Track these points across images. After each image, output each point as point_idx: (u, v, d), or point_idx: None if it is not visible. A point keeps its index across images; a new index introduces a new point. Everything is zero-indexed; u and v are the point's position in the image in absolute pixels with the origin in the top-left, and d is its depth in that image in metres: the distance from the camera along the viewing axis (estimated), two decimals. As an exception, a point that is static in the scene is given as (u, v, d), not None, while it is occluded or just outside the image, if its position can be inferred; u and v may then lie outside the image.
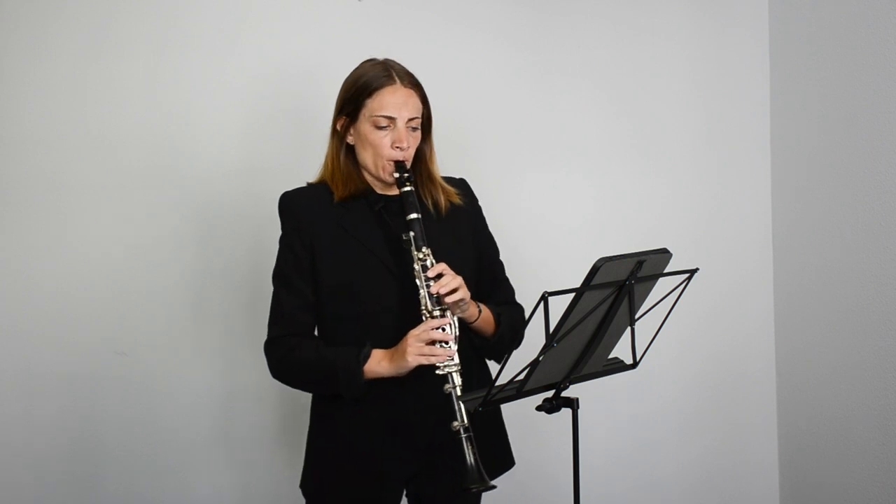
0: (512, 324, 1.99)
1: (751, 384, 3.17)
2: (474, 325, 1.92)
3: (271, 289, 1.97)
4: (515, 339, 1.96)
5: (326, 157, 1.99)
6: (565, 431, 1.80)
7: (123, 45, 2.49)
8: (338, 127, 1.95)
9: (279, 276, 1.95)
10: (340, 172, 1.95)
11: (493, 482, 1.77)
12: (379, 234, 1.92)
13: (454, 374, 1.77)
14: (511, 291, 2.09)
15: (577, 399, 1.78)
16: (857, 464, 2.80)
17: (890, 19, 2.65)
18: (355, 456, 1.90)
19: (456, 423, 1.73)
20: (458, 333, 1.81)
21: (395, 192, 1.93)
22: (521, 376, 1.64)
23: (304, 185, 2.00)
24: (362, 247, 1.90)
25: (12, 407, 2.40)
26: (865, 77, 2.74)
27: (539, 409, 1.79)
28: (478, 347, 1.98)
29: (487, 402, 1.66)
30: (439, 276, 1.80)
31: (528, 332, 1.62)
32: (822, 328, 2.95)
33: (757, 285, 3.17)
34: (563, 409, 1.78)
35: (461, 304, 1.83)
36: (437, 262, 1.83)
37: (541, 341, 1.60)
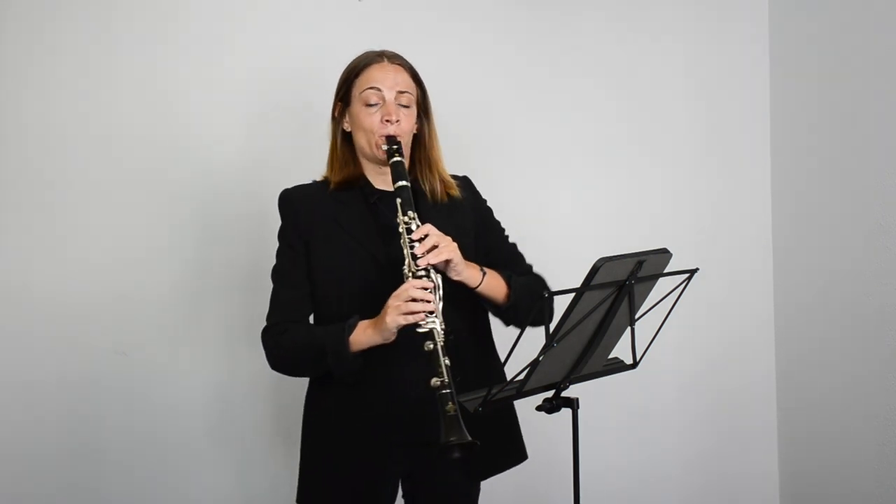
0: (530, 288, 1.94)
1: (751, 384, 3.17)
2: (481, 289, 1.89)
3: (271, 288, 1.98)
4: (531, 303, 1.87)
5: (329, 147, 2.01)
6: (565, 431, 1.80)
7: (123, 43, 2.49)
8: (335, 113, 1.99)
9: (277, 271, 1.97)
10: (338, 159, 1.98)
11: (501, 472, 1.73)
12: (373, 228, 1.92)
13: (436, 331, 1.73)
14: (528, 265, 2.06)
15: (577, 399, 1.77)
16: (857, 465, 2.80)
17: (890, 19, 2.65)
18: (350, 455, 1.90)
19: (435, 380, 1.68)
20: (442, 292, 1.78)
21: (391, 186, 1.93)
22: (522, 376, 1.64)
23: (307, 182, 2.01)
24: (354, 241, 1.90)
25: (11, 406, 2.39)
26: (865, 77, 2.74)
27: (539, 409, 1.79)
28: (495, 315, 1.97)
29: (488, 402, 1.66)
30: (425, 237, 1.79)
31: (527, 332, 1.61)
32: (822, 328, 2.95)
33: (757, 285, 3.17)
34: (563, 409, 1.78)
35: (451, 265, 1.81)
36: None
37: (541, 341, 1.60)
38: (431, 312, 1.74)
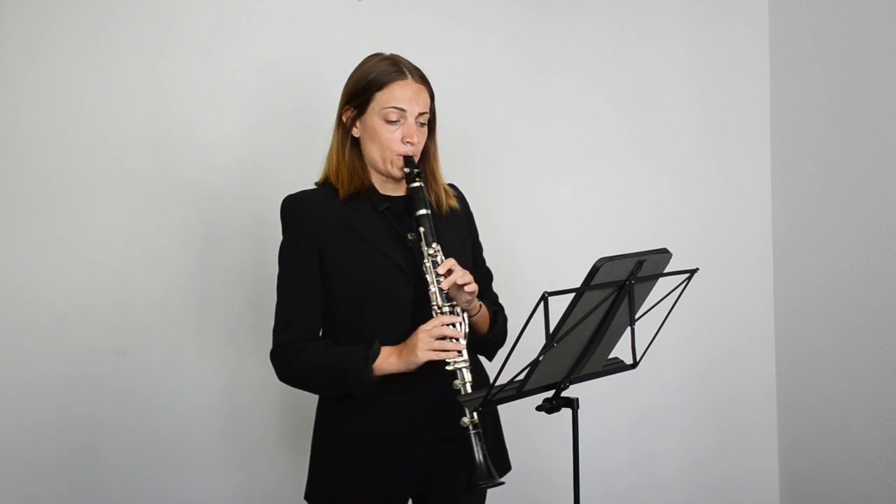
0: (504, 324, 2.04)
1: (751, 384, 3.17)
2: (473, 319, 1.93)
3: (274, 289, 1.95)
4: (503, 340, 2.04)
5: (330, 150, 1.98)
6: (565, 431, 1.80)
7: (123, 45, 2.49)
8: (343, 118, 1.94)
9: (284, 281, 1.93)
10: (346, 166, 1.94)
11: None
12: (386, 235, 1.91)
13: (464, 371, 1.78)
14: (495, 294, 2.13)
15: (577, 399, 1.78)
16: (857, 465, 2.80)
17: (890, 19, 2.65)
18: (362, 459, 1.89)
19: (465, 420, 1.74)
20: (467, 330, 1.83)
21: (398, 192, 1.94)
22: (521, 376, 1.64)
23: (307, 187, 1.99)
24: (372, 248, 1.88)
25: (12, 407, 2.39)
26: (865, 77, 2.74)
27: (539, 409, 1.79)
28: (472, 343, 1.98)
29: (488, 402, 1.66)
30: (449, 272, 1.81)
31: (528, 332, 1.61)
32: (822, 328, 2.95)
33: (757, 285, 3.17)
34: (563, 409, 1.78)
35: (472, 298, 1.85)
36: (446, 258, 1.84)
37: (541, 341, 1.60)
38: (459, 351, 1.78)
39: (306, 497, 1.99)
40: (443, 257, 1.82)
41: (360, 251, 1.88)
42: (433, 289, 1.81)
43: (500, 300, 2.12)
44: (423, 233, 1.83)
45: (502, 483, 1.72)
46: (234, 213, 2.59)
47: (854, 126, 2.78)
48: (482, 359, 2.07)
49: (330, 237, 1.89)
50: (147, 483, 2.51)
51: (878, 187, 2.70)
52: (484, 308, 1.96)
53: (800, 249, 3.05)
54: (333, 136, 1.98)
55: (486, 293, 2.09)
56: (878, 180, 2.69)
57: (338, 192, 1.92)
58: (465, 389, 1.76)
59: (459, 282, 1.80)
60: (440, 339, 1.78)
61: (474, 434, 1.73)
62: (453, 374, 1.78)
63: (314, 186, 2.00)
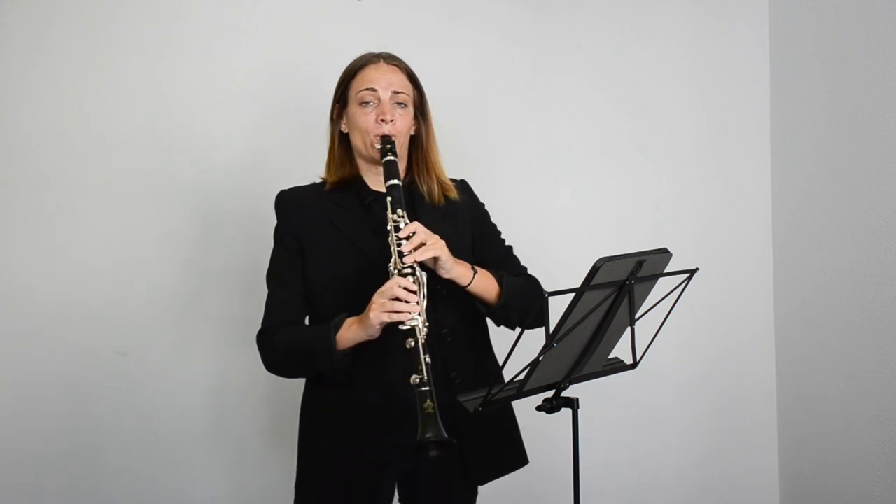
0: (521, 289, 1.95)
1: (751, 384, 3.17)
2: (471, 288, 1.89)
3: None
4: (531, 308, 1.90)
5: (328, 148, 2.02)
6: (565, 431, 1.80)
7: (123, 45, 2.49)
8: (333, 115, 1.99)
9: (271, 272, 1.98)
10: (335, 159, 1.99)
11: (501, 476, 1.71)
12: (368, 229, 1.92)
13: (418, 328, 1.72)
14: (523, 268, 2.07)
15: (577, 399, 1.78)
16: (857, 465, 2.80)
17: (890, 19, 2.65)
18: (346, 456, 1.89)
19: (415, 377, 1.67)
20: (426, 290, 1.78)
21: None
22: (522, 376, 1.64)
23: (305, 183, 2.01)
24: (348, 241, 1.90)
25: (13, 407, 2.39)
26: (865, 77, 2.74)
27: (539, 409, 1.79)
28: (486, 315, 1.96)
29: (488, 402, 1.66)
30: (412, 235, 1.78)
31: (528, 332, 1.61)
32: (822, 328, 2.95)
33: (757, 285, 3.17)
34: (563, 409, 1.78)
35: (439, 263, 1.81)
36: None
37: (541, 341, 1.60)
38: (415, 311, 1.73)
39: (296, 486, 2.00)
40: (407, 221, 1.80)
41: (335, 243, 1.91)
42: (393, 248, 1.78)
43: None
44: (391, 201, 1.82)
45: (452, 442, 1.61)
46: (234, 212, 2.59)
47: (854, 126, 2.78)
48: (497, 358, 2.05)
49: (312, 232, 1.92)
50: (147, 483, 2.51)
51: (878, 187, 2.69)
52: (484, 274, 1.91)
53: (800, 249, 3.05)
54: (328, 134, 2.02)
55: (509, 263, 2.04)
56: (878, 180, 2.69)
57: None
58: (419, 349, 1.69)
59: (412, 246, 1.75)
60: (394, 300, 1.73)
61: (426, 391, 1.65)
62: (410, 333, 1.71)
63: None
